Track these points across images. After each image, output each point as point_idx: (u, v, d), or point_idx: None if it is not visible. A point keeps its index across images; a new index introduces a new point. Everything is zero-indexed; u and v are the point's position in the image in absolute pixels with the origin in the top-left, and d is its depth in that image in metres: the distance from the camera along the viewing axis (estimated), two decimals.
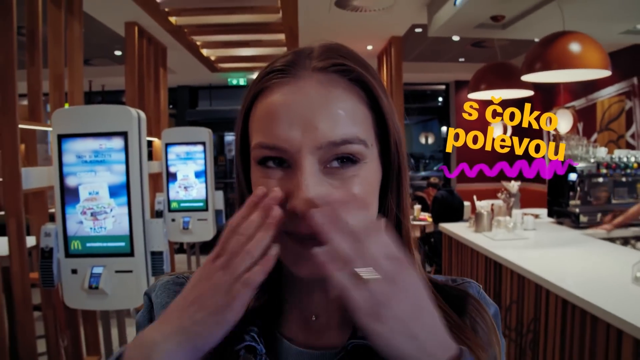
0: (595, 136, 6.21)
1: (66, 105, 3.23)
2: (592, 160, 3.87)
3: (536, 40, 3.36)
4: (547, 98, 7.43)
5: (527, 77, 3.37)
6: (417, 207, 6.10)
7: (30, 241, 2.81)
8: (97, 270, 2.51)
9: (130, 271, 2.52)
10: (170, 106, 6.31)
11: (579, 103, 6.52)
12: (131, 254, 2.51)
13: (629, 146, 5.55)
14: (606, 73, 3.13)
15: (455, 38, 5.78)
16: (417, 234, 5.86)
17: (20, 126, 2.58)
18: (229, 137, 9.58)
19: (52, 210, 3.09)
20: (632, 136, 5.59)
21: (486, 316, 0.60)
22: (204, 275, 0.50)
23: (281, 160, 0.54)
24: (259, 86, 0.57)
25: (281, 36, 4.94)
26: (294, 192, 0.51)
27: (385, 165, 0.59)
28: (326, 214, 0.47)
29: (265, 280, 0.49)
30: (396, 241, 0.51)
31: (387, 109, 0.57)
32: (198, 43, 5.26)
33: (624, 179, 3.85)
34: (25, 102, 2.94)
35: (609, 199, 3.91)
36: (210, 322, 0.48)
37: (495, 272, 3.14)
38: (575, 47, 3.01)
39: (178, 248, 6.65)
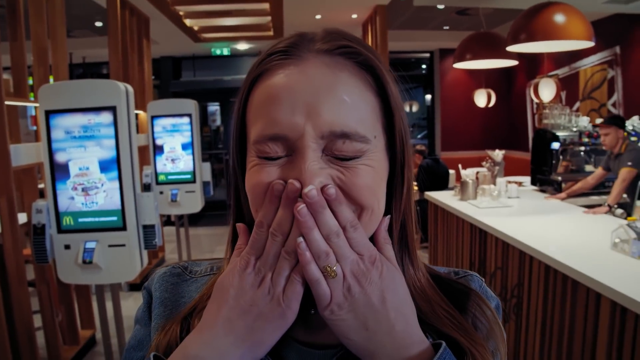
0: (577, 104, 6.29)
1: (50, 79, 3.19)
2: (574, 129, 3.94)
3: (521, 9, 3.37)
4: (531, 67, 7.48)
5: (512, 48, 3.40)
6: None
7: (21, 218, 2.81)
8: (90, 245, 2.53)
9: (123, 245, 2.55)
10: (153, 77, 6.22)
11: (562, 71, 6.57)
12: (123, 228, 2.53)
13: None
14: (589, 44, 3.17)
15: (440, 6, 5.75)
16: None
17: (7, 102, 2.55)
18: (212, 107, 9.52)
19: (42, 186, 3.08)
20: (614, 105, 5.67)
21: (487, 310, 0.59)
22: (247, 281, 0.50)
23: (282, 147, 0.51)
24: (259, 69, 0.53)
25: (265, 5, 4.88)
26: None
27: (390, 158, 0.55)
28: (312, 208, 0.47)
29: None
30: (387, 239, 0.54)
31: (394, 98, 0.54)
32: (181, 13, 5.17)
33: (604, 148, 3.92)
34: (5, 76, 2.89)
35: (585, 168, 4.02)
36: (271, 328, 0.49)
37: (480, 239, 3.22)
38: (559, 18, 3.04)
39: (165, 220, 6.67)
